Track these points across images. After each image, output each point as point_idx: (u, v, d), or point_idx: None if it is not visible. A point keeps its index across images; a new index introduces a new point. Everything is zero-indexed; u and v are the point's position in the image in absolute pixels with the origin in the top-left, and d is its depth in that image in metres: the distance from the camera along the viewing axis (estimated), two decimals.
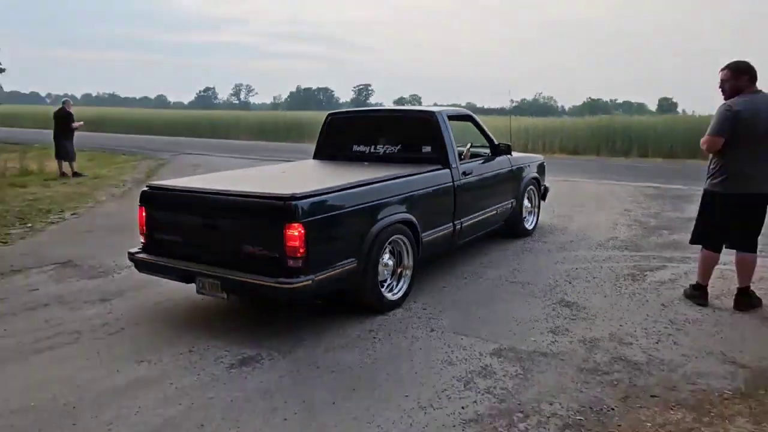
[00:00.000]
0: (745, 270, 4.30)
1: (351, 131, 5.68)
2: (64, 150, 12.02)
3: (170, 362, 3.40)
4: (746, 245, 4.25)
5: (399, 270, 4.41)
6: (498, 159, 5.85)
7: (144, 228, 4.20)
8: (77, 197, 9.56)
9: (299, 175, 4.70)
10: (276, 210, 3.53)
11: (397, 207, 4.24)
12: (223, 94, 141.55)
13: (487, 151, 5.90)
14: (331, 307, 4.22)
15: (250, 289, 3.68)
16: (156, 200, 4.16)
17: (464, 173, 5.09)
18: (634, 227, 7.10)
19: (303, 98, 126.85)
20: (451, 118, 5.34)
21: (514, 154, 6.48)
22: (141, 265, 4.17)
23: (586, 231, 6.87)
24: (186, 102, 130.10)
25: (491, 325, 4.01)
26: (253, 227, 3.71)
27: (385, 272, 4.27)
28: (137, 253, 4.20)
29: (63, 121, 12.07)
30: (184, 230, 4.07)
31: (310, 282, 3.52)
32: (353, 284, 3.99)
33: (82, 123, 12.90)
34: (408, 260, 4.44)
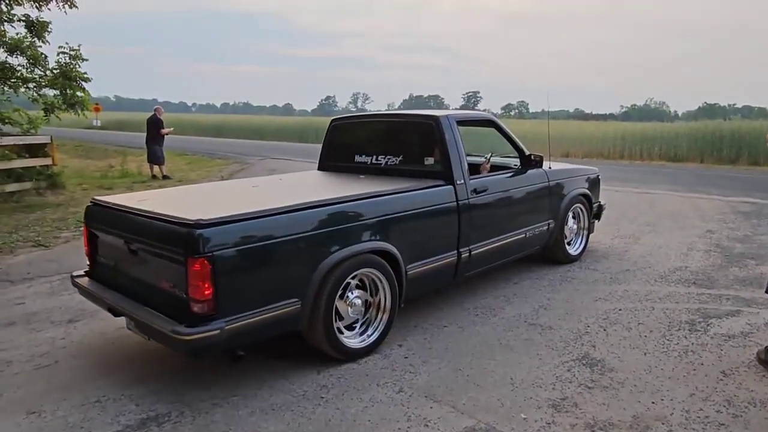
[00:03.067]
0: None
1: (353, 139, 4.67)
2: (154, 154, 12.08)
3: (62, 416, 2.66)
4: None
5: (373, 311, 3.40)
6: (531, 172, 4.62)
7: (87, 248, 3.50)
8: None
9: (262, 192, 3.76)
10: (179, 239, 2.64)
11: (364, 233, 3.23)
12: (342, 102, 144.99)
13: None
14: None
15: (155, 336, 2.81)
16: (95, 217, 3.40)
17: (475, 190, 3.96)
18: (713, 254, 5.55)
19: (414, 105, 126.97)
20: (464, 123, 4.20)
21: (559, 165, 5.25)
22: (80, 291, 3.43)
23: (649, 257, 5.44)
24: (309, 110, 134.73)
25: (478, 389, 2.93)
26: (163, 258, 2.83)
27: (350, 313, 3.27)
28: (78, 276, 3.49)
29: (154, 127, 12.11)
30: (116, 255, 3.26)
31: (217, 332, 2.58)
32: (300, 329, 3.03)
33: (172, 129, 12.95)
34: (384, 299, 3.39)
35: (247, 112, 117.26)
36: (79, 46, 10.34)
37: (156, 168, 12.21)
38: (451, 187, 3.81)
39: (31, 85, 10.20)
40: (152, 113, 12.34)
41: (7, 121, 9.61)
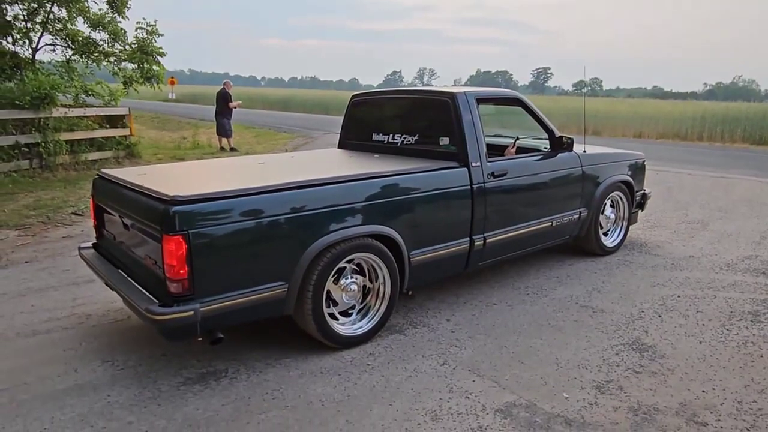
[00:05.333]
0: None
1: (372, 117, 4.48)
2: (222, 127, 12.53)
3: (132, 367, 2.92)
4: None
5: (369, 297, 3.29)
6: (561, 156, 4.27)
7: (94, 221, 3.57)
8: None
9: (265, 170, 3.60)
10: (156, 215, 2.57)
11: (360, 216, 3.07)
12: (408, 77, 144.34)
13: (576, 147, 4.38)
14: None
15: (135, 313, 2.77)
16: (100, 190, 3.42)
17: (493, 174, 3.71)
18: None
19: (482, 81, 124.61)
20: (485, 101, 3.96)
21: (597, 149, 4.84)
22: (87, 263, 3.44)
23: (717, 244, 5.21)
24: (375, 84, 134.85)
25: (522, 366, 2.97)
26: (146, 234, 2.79)
27: (345, 298, 3.16)
28: (85, 248, 3.57)
29: (222, 100, 12.54)
30: (115, 229, 3.30)
31: (190, 314, 2.52)
32: (287, 313, 2.94)
33: (240, 102, 13.37)
34: (384, 286, 3.27)
35: (314, 86, 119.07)
36: (155, 21, 10.86)
37: (224, 140, 12.68)
38: (464, 169, 3.58)
39: (111, 59, 10.83)
40: (221, 87, 12.78)
41: (90, 93, 10.25)
